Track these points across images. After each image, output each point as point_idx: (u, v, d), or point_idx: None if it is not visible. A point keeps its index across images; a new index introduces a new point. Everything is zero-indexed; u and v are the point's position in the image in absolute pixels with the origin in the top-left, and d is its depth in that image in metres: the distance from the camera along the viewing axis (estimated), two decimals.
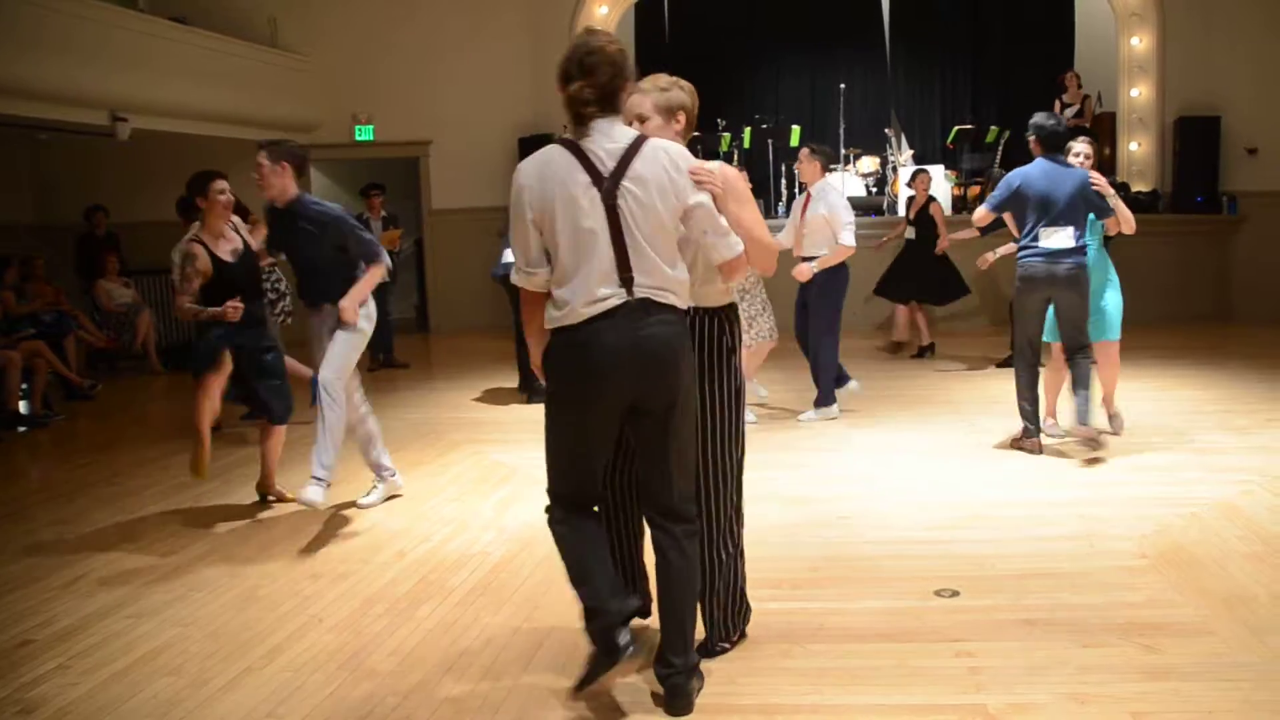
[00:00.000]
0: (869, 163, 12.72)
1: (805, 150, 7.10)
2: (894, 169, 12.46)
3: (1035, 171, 5.80)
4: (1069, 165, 5.85)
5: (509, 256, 7.32)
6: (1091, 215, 5.87)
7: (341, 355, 5.16)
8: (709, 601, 3.43)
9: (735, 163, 12.35)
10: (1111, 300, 6.15)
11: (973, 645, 3.51)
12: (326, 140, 12.66)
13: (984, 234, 8.96)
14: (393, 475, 5.60)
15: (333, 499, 5.33)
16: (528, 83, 12.18)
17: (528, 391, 8.15)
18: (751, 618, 3.60)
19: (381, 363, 10.22)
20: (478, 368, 9.76)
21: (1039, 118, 5.94)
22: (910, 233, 9.69)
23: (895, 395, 7.93)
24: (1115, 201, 5.95)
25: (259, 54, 11.84)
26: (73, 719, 3.27)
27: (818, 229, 6.86)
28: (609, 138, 3.00)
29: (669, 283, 3.02)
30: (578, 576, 3.12)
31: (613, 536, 3.48)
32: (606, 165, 2.97)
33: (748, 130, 12.52)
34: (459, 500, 5.54)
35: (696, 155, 3.21)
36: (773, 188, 12.46)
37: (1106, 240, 6.23)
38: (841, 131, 12.79)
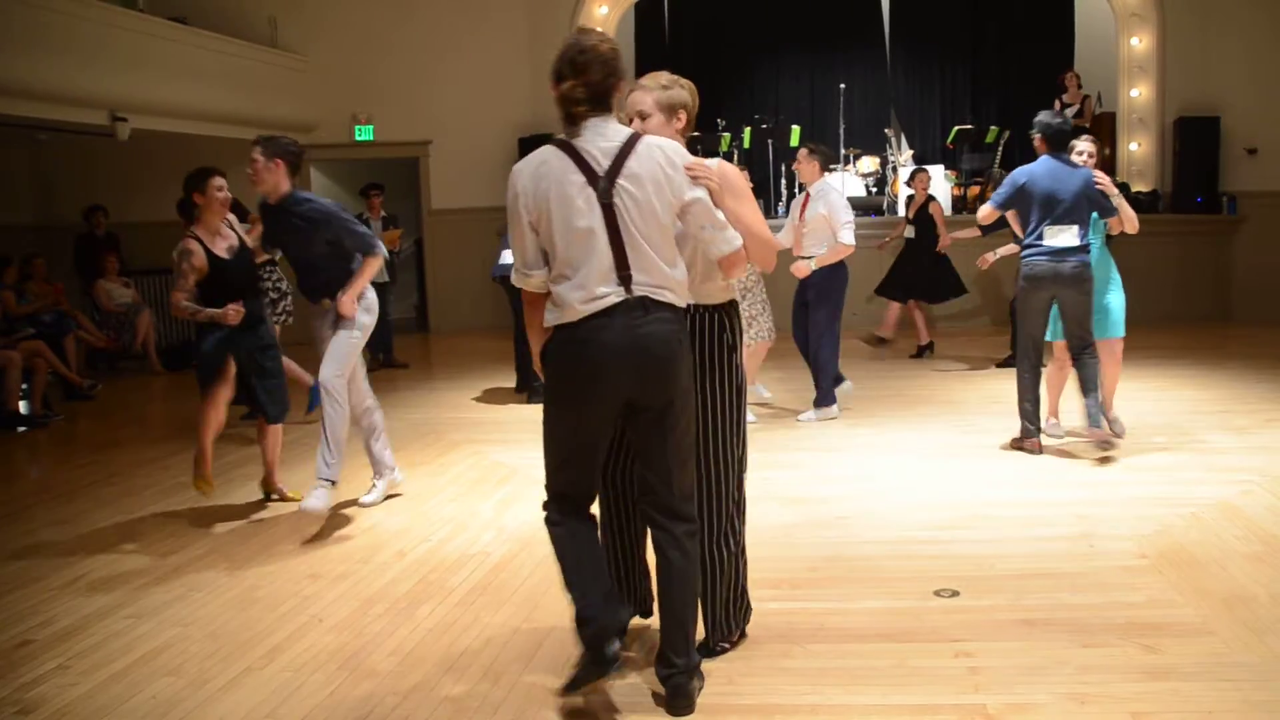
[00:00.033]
0: (869, 163, 12.72)
1: (803, 151, 7.11)
2: (894, 169, 12.47)
3: (1041, 170, 5.79)
4: (1074, 164, 5.84)
5: (507, 257, 7.31)
6: (1094, 214, 5.87)
7: (341, 353, 5.16)
8: (710, 600, 3.43)
9: (735, 163, 12.36)
10: (1115, 299, 6.15)
11: (972, 645, 3.51)
12: (326, 140, 12.66)
13: (985, 233, 8.96)
14: (393, 472, 5.60)
15: (333, 498, 5.32)
16: (527, 83, 12.17)
17: (526, 391, 8.15)
18: (751, 618, 3.60)
19: (381, 363, 10.22)
20: (477, 368, 9.76)
21: (1044, 116, 5.94)
22: (910, 232, 9.70)
23: (895, 395, 7.93)
24: (1119, 201, 5.95)
25: (259, 54, 11.85)
26: (72, 719, 3.27)
27: (817, 228, 6.86)
28: (603, 136, 3.00)
29: (667, 281, 3.02)
30: (570, 581, 3.13)
31: (615, 536, 3.49)
32: (601, 164, 2.97)
33: (747, 130, 12.52)
34: (459, 500, 5.54)
35: (696, 155, 3.21)
36: (773, 188, 12.46)
37: (1108, 239, 6.23)
38: (841, 131, 12.79)
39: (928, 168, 10.68)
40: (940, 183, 11.72)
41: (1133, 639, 3.50)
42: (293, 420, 6.07)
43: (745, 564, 3.52)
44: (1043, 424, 6.24)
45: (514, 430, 7.01)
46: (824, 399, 7.07)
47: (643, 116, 3.27)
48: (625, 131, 3.04)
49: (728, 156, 12.44)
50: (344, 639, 3.77)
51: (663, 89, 3.30)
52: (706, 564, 3.38)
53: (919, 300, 9.74)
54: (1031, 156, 6.02)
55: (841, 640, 3.59)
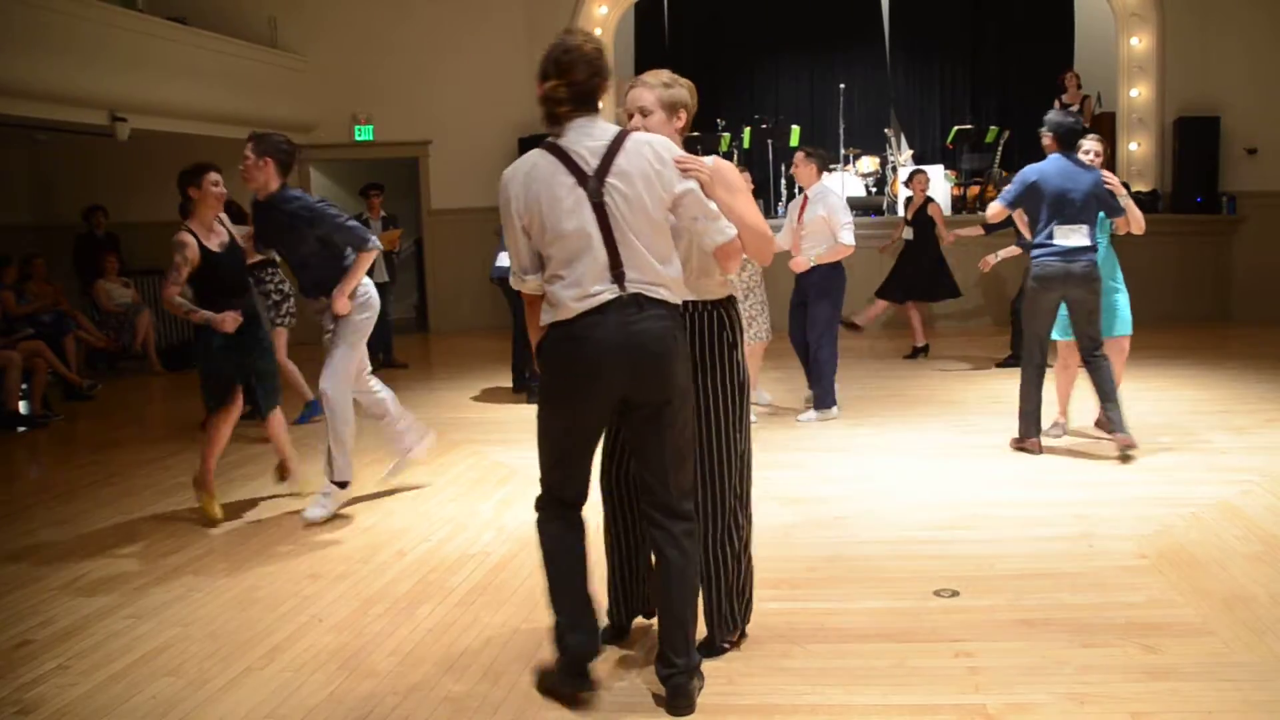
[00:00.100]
0: (869, 163, 12.72)
1: (801, 154, 7.11)
2: (894, 169, 12.47)
3: (1051, 169, 5.76)
4: (1083, 163, 5.82)
5: (505, 259, 7.33)
6: (1101, 214, 5.86)
7: (340, 364, 5.20)
8: (712, 599, 3.42)
9: (735, 163, 12.35)
10: (1121, 298, 6.15)
11: (972, 645, 3.51)
12: (326, 140, 12.67)
13: (988, 232, 8.98)
14: (408, 450, 5.64)
15: (339, 502, 5.36)
16: (527, 83, 11.94)
17: (525, 391, 8.16)
18: (751, 617, 3.60)
19: (381, 363, 10.20)
20: (477, 368, 9.76)
21: (1054, 115, 5.93)
22: (908, 234, 9.69)
23: (895, 395, 7.93)
24: (1126, 201, 5.94)
25: (258, 54, 11.85)
26: (72, 719, 3.27)
27: (816, 230, 6.88)
28: (590, 136, 3.01)
29: (661, 278, 3.03)
30: (555, 597, 3.20)
31: (619, 539, 3.49)
32: (590, 164, 2.98)
33: (747, 130, 12.52)
34: (459, 500, 5.54)
35: (697, 154, 3.21)
36: (773, 188, 12.46)
37: (1111, 239, 6.22)
38: (841, 131, 12.79)
39: (926, 168, 10.69)
40: (940, 183, 11.73)
41: (1133, 639, 3.50)
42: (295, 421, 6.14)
43: (750, 563, 3.52)
44: (1048, 425, 6.24)
45: (514, 430, 7.01)
46: (824, 399, 7.07)
47: (644, 113, 3.27)
48: (612, 130, 3.05)
49: (727, 156, 12.43)
50: (344, 639, 3.76)
51: (664, 87, 3.30)
52: (709, 562, 3.38)
53: (917, 301, 9.74)
54: (1031, 156, 6.02)
55: (841, 640, 3.59)
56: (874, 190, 12.67)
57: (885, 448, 6.30)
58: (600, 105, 3.08)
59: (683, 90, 3.33)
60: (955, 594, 3.96)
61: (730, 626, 3.48)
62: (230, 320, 5.07)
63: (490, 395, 8.56)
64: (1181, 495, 5.11)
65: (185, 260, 5.07)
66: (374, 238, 5.25)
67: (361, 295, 5.24)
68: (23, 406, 8.14)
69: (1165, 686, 3.18)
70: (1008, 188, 5.97)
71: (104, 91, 9.34)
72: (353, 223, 5.23)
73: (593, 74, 3.03)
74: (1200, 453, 5.91)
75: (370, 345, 5.48)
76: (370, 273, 5.37)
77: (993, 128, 12.50)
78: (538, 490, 3.22)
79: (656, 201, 3.01)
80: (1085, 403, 6.41)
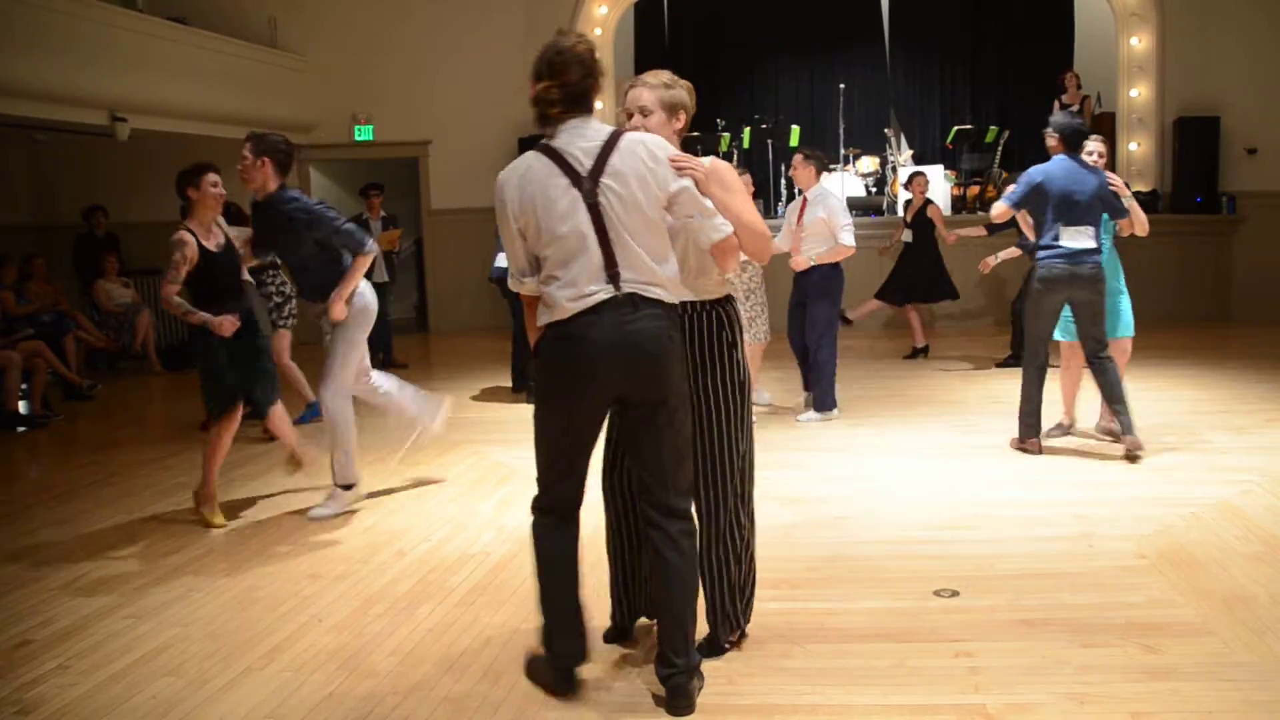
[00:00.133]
0: (869, 163, 12.72)
1: (799, 156, 7.12)
2: (893, 169, 12.47)
3: (1058, 170, 5.73)
4: (1088, 164, 5.81)
5: (503, 260, 7.33)
6: (1105, 215, 5.84)
7: (338, 370, 5.22)
8: (713, 598, 3.43)
9: (735, 163, 12.36)
10: (1124, 299, 6.14)
11: (972, 645, 3.51)
12: (326, 140, 12.67)
13: (991, 233, 8.98)
14: (421, 425, 5.67)
15: (346, 503, 5.39)
16: (526, 83, 12.06)
17: (524, 391, 8.16)
18: (751, 617, 3.60)
19: (381, 362, 10.17)
20: (477, 368, 9.76)
21: (1060, 117, 5.92)
22: (908, 236, 9.68)
23: (895, 395, 7.93)
24: (1130, 202, 5.94)
25: (258, 54, 11.85)
26: (72, 719, 3.27)
27: (816, 232, 6.89)
28: (583, 137, 3.02)
29: (656, 278, 3.03)
30: (544, 602, 3.24)
31: (622, 543, 3.49)
32: (584, 165, 2.99)
33: (747, 130, 12.53)
34: (459, 500, 5.54)
35: (696, 155, 3.21)
36: (773, 188, 12.47)
37: (1114, 240, 6.22)
38: (841, 131, 12.80)
39: (925, 170, 10.68)
40: (940, 183, 11.72)
41: (1133, 639, 3.50)
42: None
43: (752, 562, 3.52)
44: (1050, 426, 6.22)
45: (514, 430, 7.00)
46: (824, 400, 7.06)
47: (644, 113, 3.27)
48: (606, 130, 3.05)
49: (727, 156, 12.44)
50: (344, 639, 3.76)
51: (665, 88, 3.30)
52: (711, 561, 3.39)
53: (916, 302, 9.73)
54: (1030, 156, 6.01)
55: (841, 640, 3.59)
56: (874, 190, 12.67)
57: (885, 448, 6.30)
58: (600, 105, 3.09)
59: (682, 91, 3.33)
60: (955, 594, 3.96)
61: (732, 626, 3.48)
62: (228, 324, 5.05)
63: (490, 395, 8.56)
64: (1181, 495, 5.11)
65: (184, 259, 5.04)
66: (371, 241, 5.24)
67: (358, 301, 5.23)
68: (23, 406, 8.14)
69: (1165, 686, 3.18)
70: (1013, 188, 5.94)
71: (104, 91, 9.34)
72: (350, 225, 5.22)
73: (585, 75, 3.03)
74: (1200, 453, 5.91)
75: (370, 345, 5.49)
76: (370, 273, 5.38)
77: (992, 128, 12.51)
78: (536, 491, 3.23)
79: (651, 200, 3.02)
80: (1088, 404, 6.41)
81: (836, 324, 7.11)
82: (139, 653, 3.72)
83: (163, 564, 4.69)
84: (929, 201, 9.67)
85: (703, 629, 3.43)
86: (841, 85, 12.95)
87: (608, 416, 3.27)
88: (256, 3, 12.42)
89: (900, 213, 10.88)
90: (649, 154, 3.03)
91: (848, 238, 6.82)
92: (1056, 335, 6.02)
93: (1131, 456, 5.71)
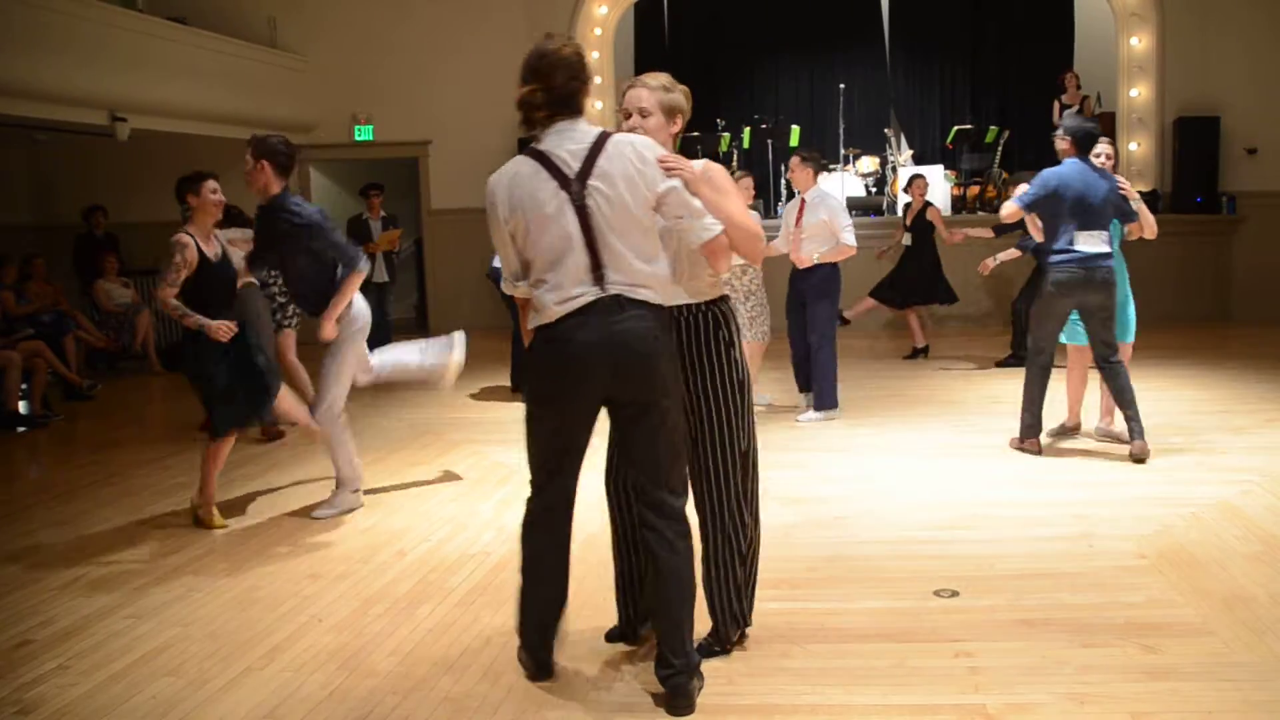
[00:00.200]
0: (869, 163, 12.71)
1: (796, 158, 7.13)
2: (893, 169, 12.47)
3: (1072, 173, 5.67)
4: (1098, 168, 5.77)
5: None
6: (1114, 219, 5.82)
7: (331, 388, 5.24)
8: (719, 598, 3.43)
9: (735, 163, 12.37)
10: (1130, 304, 6.13)
11: (972, 645, 3.51)
12: (326, 140, 12.66)
13: (998, 234, 8.97)
14: (433, 362, 5.72)
15: (350, 503, 5.39)
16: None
17: (524, 390, 8.15)
18: (752, 618, 3.59)
19: None
20: (477, 368, 9.71)
21: (1072, 119, 5.89)
22: (907, 239, 9.67)
23: (895, 395, 7.93)
24: (1139, 206, 5.92)
25: (258, 54, 11.84)
26: (72, 719, 3.27)
27: (817, 233, 6.91)
28: (571, 139, 3.03)
29: (643, 278, 3.03)
30: (520, 604, 3.33)
31: (625, 547, 3.49)
32: (572, 167, 3.00)
33: (747, 130, 12.53)
34: (459, 500, 5.54)
35: (696, 156, 3.21)
36: (773, 188, 12.46)
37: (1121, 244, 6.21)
38: (841, 131, 12.79)
39: (924, 172, 10.67)
40: (940, 183, 11.72)
41: (1133, 639, 3.50)
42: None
43: (755, 562, 3.51)
44: (1053, 426, 6.22)
45: (514, 430, 6.93)
46: (826, 399, 7.07)
47: (644, 114, 3.27)
48: (594, 132, 3.06)
49: (727, 156, 12.45)
50: (344, 639, 3.76)
51: (664, 90, 3.31)
52: (714, 561, 3.39)
53: (914, 305, 9.73)
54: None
55: (841, 640, 3.59)
56: (874, 190, 12.67)
57: (885, 448, 6.30)
58: (600, 105, 3.10)
59: (680, 96, 3.34)
60: (955, 594, 3.96)
61: (739, 624, 3.48)
62: (225, 329, 5.01)
63: (490, 395, 8.56)
64: (1181, 495, 5.11)
65: (184, 261, 5.02)
66: (364, 260, 5.22)
67: (354, 323, 5.22)
68: (23, 406, 8.14)
69: (1165, 686, 3.18)
70: (1026, 190, 5.84)
71: (104, 91, 9.34)
72: (346, 241, 5.23)
73: (571, 78, 3.04)
74: (1200, 453, 5.91)
75: (370, 347, 5.49)
76: (370, 273, 5.38)
77: (992, 128, 12.51)
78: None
79: (640, 201, 3.02)
80: (1092, 407, 6.41)
81: (835, 324, 7.13)
82: (139, 653, 3.72)
83: (163, 564, 4.69)
84: (928, 204, 9.66)
85: (703, 629, 3.43)
86: (841, 85, 12.94)
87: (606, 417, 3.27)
88: (256, 3, 12.42)
89: (900, 214, 10.87)
90: (637, 155, 3.03)
91: (849, 238, 6.85)
92: (1062, 338, 6.00)
93: (1137, 460, 5.70)
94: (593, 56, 12.42)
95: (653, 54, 13.91)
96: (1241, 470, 5.51)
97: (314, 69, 12.57)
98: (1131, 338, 6.16)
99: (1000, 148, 12.37)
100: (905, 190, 10.13)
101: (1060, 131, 5.85)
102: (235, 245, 5.76)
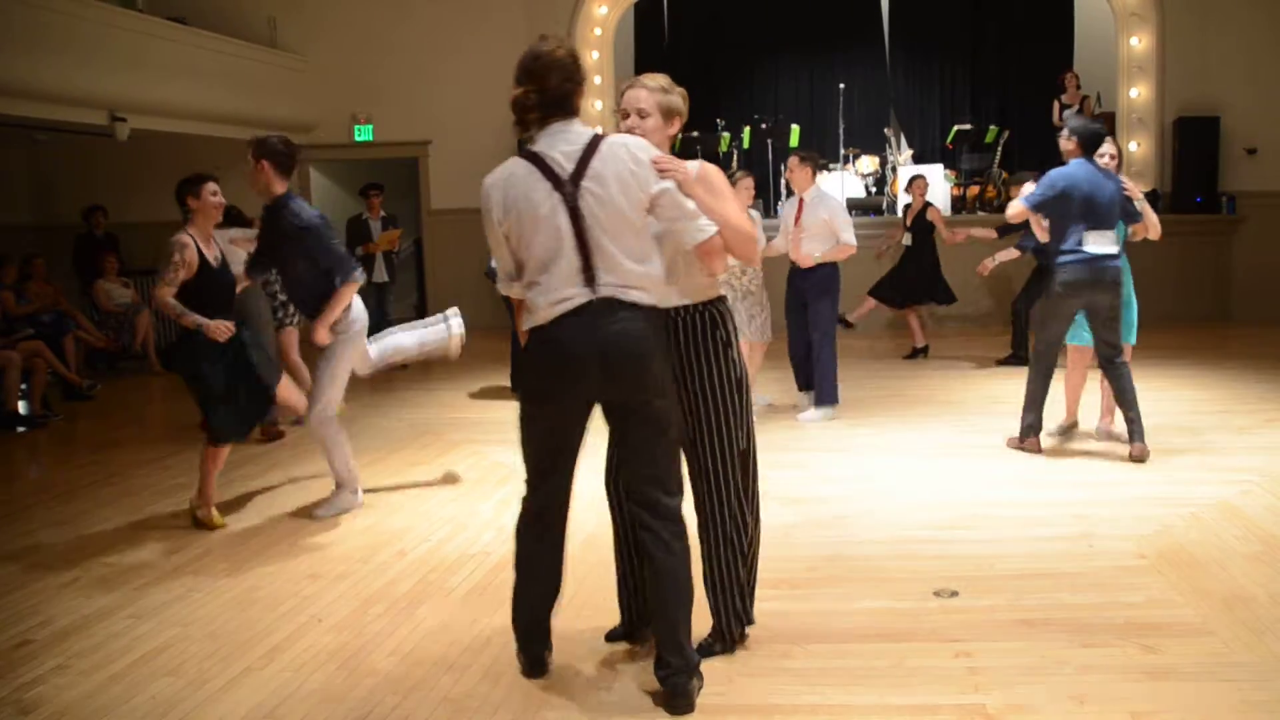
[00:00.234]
0: (868, 163, 12.72)
1: (794, 159, 7.13)
2: (893, 169, 12.47)
3: (1080, 174, 5.65)
4: (1103, 168, 5.75)
5: None
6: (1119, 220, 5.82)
7: (325, 391, 5.24)
8: (717, 599, 3.43)
9: (735, 163, 12.37)
10: (1133, 305, 6.13)
11: (972, 645, 3.51)
12: (325, 140, 12.66)
13: (1002, 235, 8.97)
14: (434, 340, 5.71)
15: (349, 504, 5.39)
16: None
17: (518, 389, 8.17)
18: (753, 618, 3.60)
19: None
20: (476, 368, 9.75)
21: (1077, 119, 5.88)
22: (907, 239, 9.67)
23: (895, 395, 7.93)
24: (1144, 206, 5.91)
25: (258, 54, 11.85)
26: (72, 719, 3.27)
27: (818, 231, 6.92)
28: (565, 140, 3.04)
29: (635, 280, 3.03)
30: (514, 602, 3.35)
31: (626, 541, 3.49)
32: (565, 168, 3.01)
33: (747, 130, 12.53)
34: (459, 500, 5.54)
35: (696, 156, 3.22)
36: (773, 188, 12.46)
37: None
38: (841, 131, 12.80)
39: (924, 173, 10.67)
40: (939, 183, 11.72)
41: (1132, 639, 3.50)
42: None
43: (754, 561, 3.51)
44: (1051, 426, 6.21)
45: (513, 430, 6.91)
46: (828, 396, 7.08)
47: (642, 115, 3.27)
48: (588, 133, 3.06)
49: (727, 156, 12.44)
50: (344, 639, 3.76)
51: (663, 92, 3.31)
52: (715, 561, 3.39)
53: (914, 305, 9.73)
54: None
55: (841, 640, 3.59)
56: (874, 190, 12.67)
57: (885, 448, 6.30)
58: (599, 105, 3.11)
59: (678, 98, 3.34)
60: (955, 594, 3.96)
61: (743, 623, 3.48)
62: (222, 329, 4.99)
63: (490, 395, 8.56)
64: (1181, 495, 5.11)
65: (183, 261, 5.00)
66: (360, 270, 5.21)
67: (351, 327, 5.21)
68: (22, 407, 8.14)
69: (1165, 686, 3.18)
70: (1034, 190, 5.80)
71: (103, 91, 9.34)
72: (343, 251, 5.22)
73: (565, 79, 3.05)
74: (1200, 453, 5.91)
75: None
76: (370, 274, 5.38)
77: (992, 128, 12.50)
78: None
79: (634, 203, 3.02)
80: (1090, 407, 6.41)
81: (836, 322, 7.15)
82: (139, 653, 3.72)
83: (163, 564, 4.69)
84: (929, 204, 9.66)
85: (702, 629, 3.43)
86: (841, 85, 12.94)
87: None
88: (256, 3, 12.42)
89: (899, 214, 10.87)
90: (631, 156, 3.03)
91: (850, 236, 6.89)
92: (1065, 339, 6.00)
93: (1137, 462, 5.69)
94: (592, 56, 12.51)
95: (652, 54, 13.91)
96: (1241, 470, 5.51)
97: (314, 69, 12.57)
98: (1134, 339, 6.15)
99: (1000, 148, 12.36)
100: (906, 190, 10.13)
101: (1066, 131, 5.83)
102: (237, 244, 5.77)
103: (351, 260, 5.24)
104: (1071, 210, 5.64)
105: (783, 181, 12.35)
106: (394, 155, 12.85)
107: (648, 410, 3.07)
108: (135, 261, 11.67)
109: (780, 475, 5.56)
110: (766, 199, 12.27)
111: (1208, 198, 11.62)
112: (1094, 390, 6.37)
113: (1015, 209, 5.90)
